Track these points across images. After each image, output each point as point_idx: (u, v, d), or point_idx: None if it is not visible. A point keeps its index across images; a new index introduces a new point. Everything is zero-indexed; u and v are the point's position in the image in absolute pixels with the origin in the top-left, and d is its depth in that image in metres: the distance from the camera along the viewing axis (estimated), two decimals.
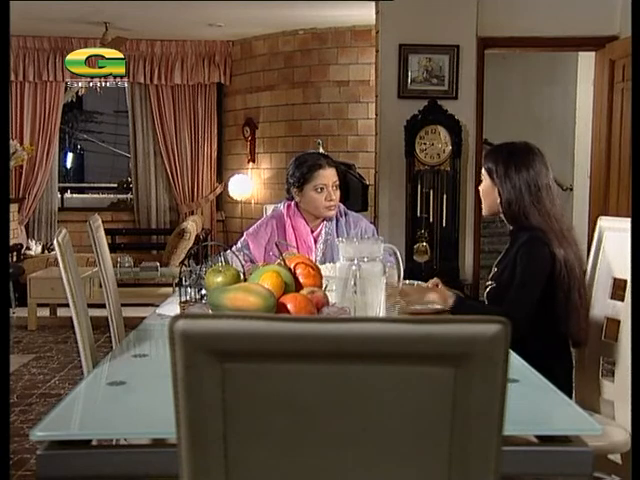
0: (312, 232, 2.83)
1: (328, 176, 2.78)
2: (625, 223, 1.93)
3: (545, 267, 2.13)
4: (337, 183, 2.81)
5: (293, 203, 2.85)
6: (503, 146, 2.39)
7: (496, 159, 2.30)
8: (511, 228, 2.30)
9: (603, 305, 2.14)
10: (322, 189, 2.77)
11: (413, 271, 4.45)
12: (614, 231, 2.11)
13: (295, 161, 2.87)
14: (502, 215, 2.31)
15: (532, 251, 2.15)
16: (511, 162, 2.28)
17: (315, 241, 2.81)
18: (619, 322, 2.05)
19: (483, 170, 2.34)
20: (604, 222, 2.19)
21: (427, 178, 4.96)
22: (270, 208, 3.14)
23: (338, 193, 2.81)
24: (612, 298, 2.12)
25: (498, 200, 2.27)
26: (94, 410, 1.47)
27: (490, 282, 2.28)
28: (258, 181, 7.83)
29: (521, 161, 2.28)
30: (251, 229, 2.84)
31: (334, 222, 2.85)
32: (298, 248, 2.71)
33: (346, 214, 2.90)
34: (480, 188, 2.35)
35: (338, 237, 2.75)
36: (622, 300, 2.04)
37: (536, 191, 2.23)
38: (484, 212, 2.40)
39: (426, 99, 4.95)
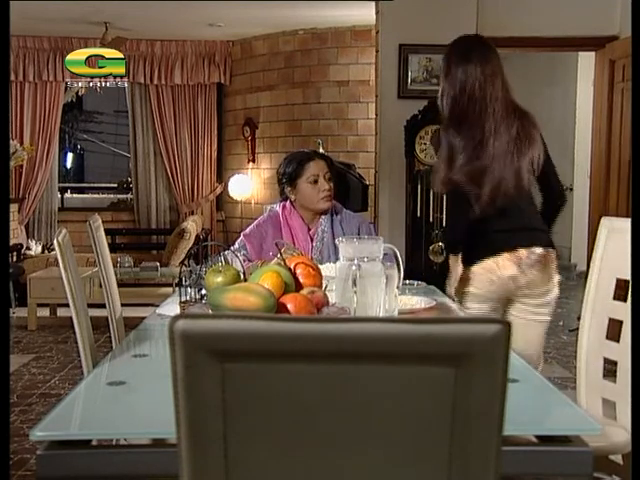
0: (309, 230, 2.83)
1: (319, 167, 2.80)
2: (628, 224, 1.93)
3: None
4: (329, 175, 2.82)
5: (288, 203, 2.86)
6: None
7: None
8: None
9: (605, 305, 2.14)
10: (315, 181, 2.78)
11: (413, 271, 4.44)
12: (616, 232, 2.11)
13: (284, 160, 2.90)
14: None
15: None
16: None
17: (312, 239, 2.82)
18: (621, 322, 2.05)
19: None
20: (607, 222, 2.19)
21: (427, 178, 4.95)
22: (269, 208, 3.14)
23: (331, 185, 2.82)
24: (614, 299, 2.12)
25: None
26: (94, 410, 1.47)
27: None
28: (258, 181, 7.83)
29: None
30: (248, 229, 2.85)
31: (330, 219, 2.85)
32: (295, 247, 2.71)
33: (343, 212, 2.90)
34: None
35: (334, 235, 2.76)
36: (624, 300, 2.04)
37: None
38: None
39: (426, 99, 4.94)
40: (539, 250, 2.51)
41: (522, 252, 2.50)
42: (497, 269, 2.51)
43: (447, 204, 2.79)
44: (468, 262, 2.54)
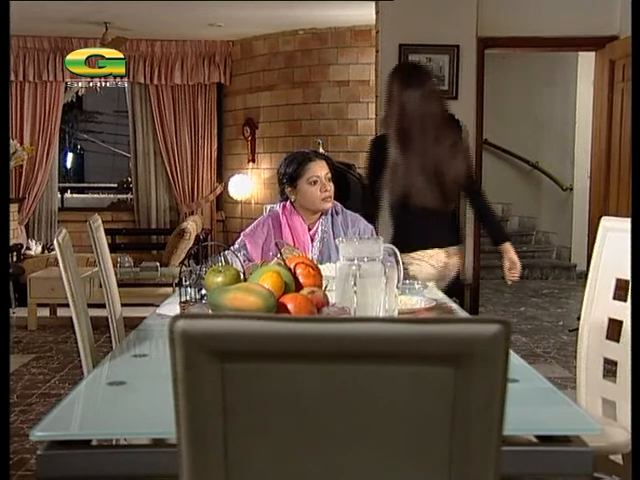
0: (309, 230, 2.83)
1: (320, 168, 2.80)
2: (628, 224, 1.93)
3: None
4: (329, 175, 2.81)
5: (289, 203, 2.86)
6: None
7: None
8: None
9: (605, 305, 2.14)
10: (316, 181, 2.78)
11: None
12: (617, 231, 2.11)
13: (285, 161, 2.89)
14: None
15: None
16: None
17: (312, 239, 2.81)
18: (621, 323, 2.05)
19: None
20: (606, 222, 2.18)
21: None
22: (269, 208, 3.14)
23: (332, 185, 2.81)
24: (615, 299, 2.12)
25: None
26: (94, 410, 1.47)
27: None
28: (258, 181, 7.84)
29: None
30: (248, 229, 2.85)
31: (330, 219, 2.85)
32: (295, 246, 2.71)
33: (344, 213, 2.90)
34: None
35: (334, 235, 2.76)
36: (625, 301, 2.04)
37: None
38: None
39: None
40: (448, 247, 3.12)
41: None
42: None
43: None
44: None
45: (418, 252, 3.04)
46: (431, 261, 3.06)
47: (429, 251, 3.06)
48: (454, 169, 3.05)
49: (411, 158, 3.02)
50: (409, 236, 3.04)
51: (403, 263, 2.16)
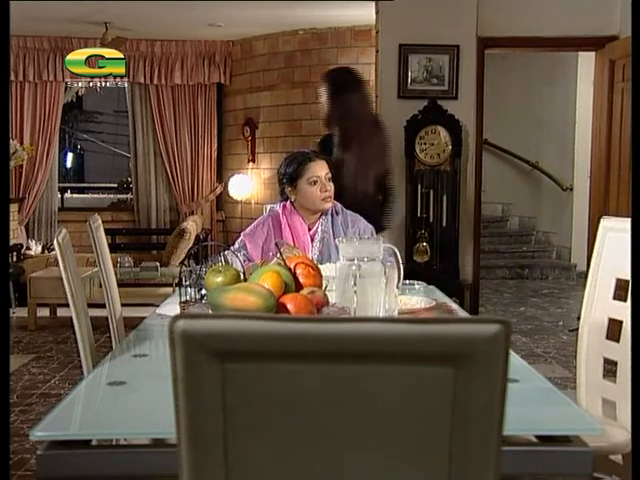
0: (309, 230, 2.83)
1: (320, 168, 2.80)
2: (627, 224, 1.93)
3: None
4: (329, 176, 2.81)
5: (289, 203, 2.86)
6: None
7: None
8: None
9: (605, 305, 2.14)
10: (316, 181, 2.77)
11: (414, 270, 4.45)
12: (617, 231, 2.11)
13: (285, 160, 2.89)
14: None
15: None
16: None
17: (312, 239, 2.81)
18: (621, 323, 2.05)
19: None
20: (606, 222, 2.18)
21: (427, 178, 4.96)
22: (269, 208, 3.14)
23: (332, 185, 2.81)
24: (615, 299, 2.12)
25: None
26: (94, 410, 1.47)
27: None
28: (258, 181, 7.83)
29: None
30: (248, 229, 2.84)
31: (330, 219, 2.85)
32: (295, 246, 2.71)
33: (344, 213, 2.90)
34: None
35: (334, 235, 2.76)
36: (624, 301, 2.04)
37: None
38: None
39: (426, 99, 4.95)
40: None
41: None
42: None
43: None
44: None
45: None
46: None
47: None
48: (377, 166, 3.56)
49: (346, 155, 3.44)
50: None
51: None
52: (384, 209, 3.70)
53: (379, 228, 3.32)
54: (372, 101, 3.92)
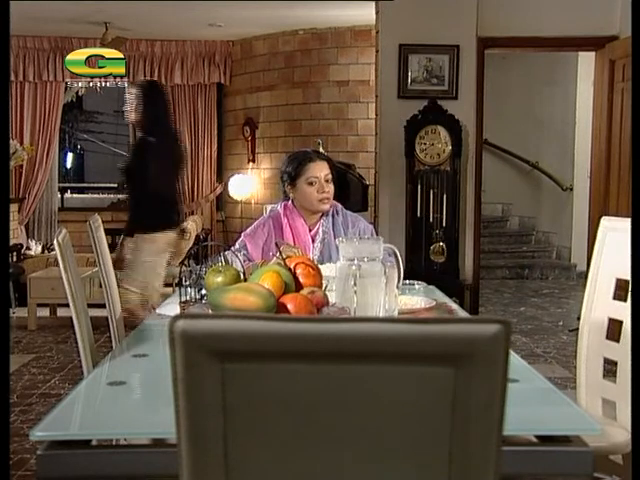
0: (310, 231, 2.83)
1: (319, 168, 2.79)
2: (628, 224, 1.93)
3: None
4: (329, 177, 2.81)
5: (290, 202, 2.86)
6: None
7: None
8: None
9: (605, 305, 2.14)
10: (313, 182, 2.77)
11: (413, 271, 4.45)
12: (617, 231, 2.11)
13: (288, 158, 2.90)
14: None
15: None
16: None
17: (313, 240, 2.81)
18: (621, 323, 2.05)
19: None
20: (606, 222, 2.18)
21: (427, 178, 4.96)
22: (269, 208, 3.14)
23: (332, 187, 2.81)
24: (615, 299, 2.12)
25: None
26: (94, 410, 1.47)
27: None
28: (258, 181, 7.83)
29: None
30: (248, 230, 2.85)
31: (331, 220, 2.85)
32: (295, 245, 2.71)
33: (344, 213, 2.90)
34: None
35: (335, 235, 2.75)
36: (624, 301, 2.04)
37: None
38: None
39: (426, 99, 4.95)
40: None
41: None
42: None
43: None
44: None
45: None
46: None
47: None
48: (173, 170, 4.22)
49: (149, 161, 4.01)
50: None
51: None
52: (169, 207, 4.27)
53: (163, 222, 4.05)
54: (172, 114, 4.70)
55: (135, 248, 4.03)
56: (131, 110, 4.06)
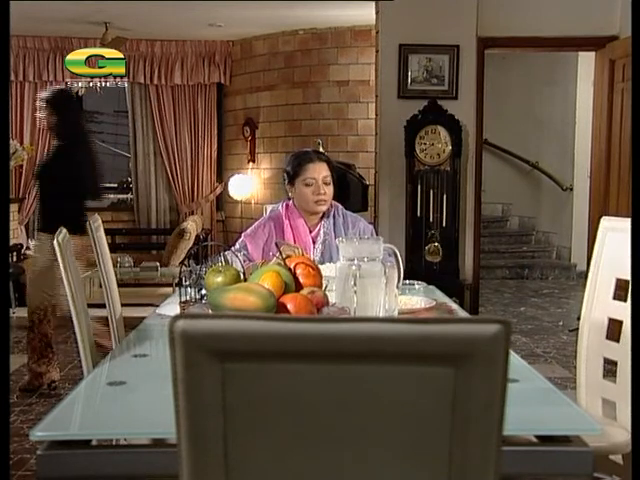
0: (310, 232, 2.83)
1: (317, 170, 2.79)
2: (628, 224, 1.93)
3: None
4: (328, 179, 2.80)
5: (291, 202, 2.86)
6: None
7: None
8: None
9: (605, 305, 2.14)
10: (310, 183, 2.77)
11: (413, 271, 4.45)
12: (617, 231, 2.11)
13: (290, 157, 2.91)
14: None
15: None
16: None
17: (314, 241, 2.81)
18: (621, 323, 2.05)
19: None
20: (606, 222, 2.19)
21: (427, 178, 4.96)
22: (270, 208, 3.14)
23: (330, 189, 2.81)
24: (615, 299, 2.12)
25: None
26: (94, 410, 1.47)
27: None
28: (258, 181, 7.83)
29: None
30: (249, 230, 2.84)
31: (332, 222, 2.85)
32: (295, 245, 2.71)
33: (344, 214, 2.89)
34: None
35: (336, 236, 2.75)
36: (625, 301, 2.04)
37: None
38: None
39: (426, 99, 4.95)
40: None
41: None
42: None
43: None
44: None
45: None
46: None
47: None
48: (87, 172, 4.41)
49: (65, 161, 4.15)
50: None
51: None
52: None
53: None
54: (83, 118, 5.07)
55: (38, 246, 4.21)
56: (43, 117, 4.16)
